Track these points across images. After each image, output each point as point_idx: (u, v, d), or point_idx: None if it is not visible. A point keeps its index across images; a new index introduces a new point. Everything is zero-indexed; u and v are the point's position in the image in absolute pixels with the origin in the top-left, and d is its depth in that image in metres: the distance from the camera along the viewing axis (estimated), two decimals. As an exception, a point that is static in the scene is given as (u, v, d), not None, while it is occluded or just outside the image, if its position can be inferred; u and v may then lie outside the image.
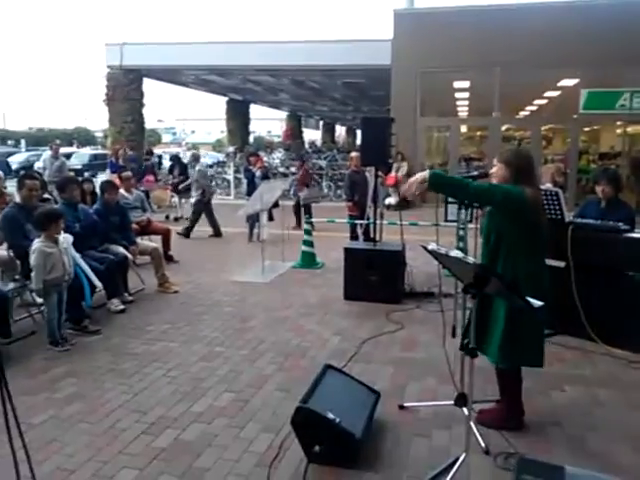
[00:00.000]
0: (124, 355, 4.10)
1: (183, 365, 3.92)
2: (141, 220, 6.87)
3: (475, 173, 3.52)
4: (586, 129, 16.05)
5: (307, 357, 4.08)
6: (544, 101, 17.20)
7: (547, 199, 4.41)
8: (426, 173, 2.84)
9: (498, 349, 2.90)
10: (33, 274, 4.14)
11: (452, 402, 2.97)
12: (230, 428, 3.05)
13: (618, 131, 15.79)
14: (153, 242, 6.65)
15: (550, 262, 4.12)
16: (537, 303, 2.55)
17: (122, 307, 5.15)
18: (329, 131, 41.31)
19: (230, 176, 16.36)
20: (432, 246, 2.78)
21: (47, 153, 12.23)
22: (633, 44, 12.30)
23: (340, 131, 46.50)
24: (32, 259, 4.14)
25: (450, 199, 6.04)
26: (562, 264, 4.30)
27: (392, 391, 3.48)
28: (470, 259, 2.63)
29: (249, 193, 9.51)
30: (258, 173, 9.44)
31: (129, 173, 7.52)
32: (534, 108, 18.34)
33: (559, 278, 4.22)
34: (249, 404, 3.33)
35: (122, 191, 6.71)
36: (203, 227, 9.52)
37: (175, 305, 5.39)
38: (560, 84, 14.72)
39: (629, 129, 15.20)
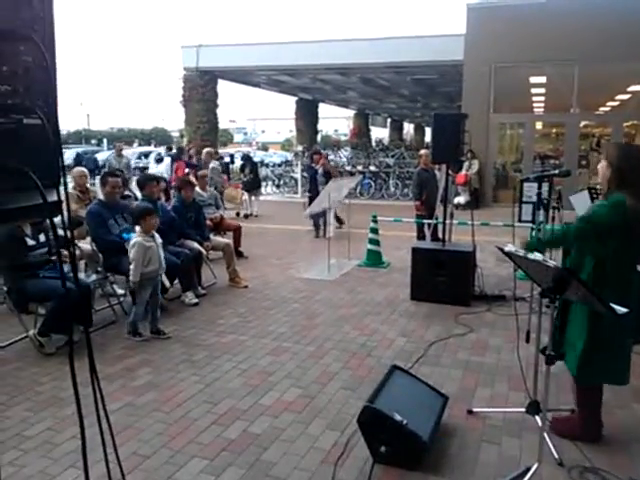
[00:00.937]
0: (196, 346, 4.27)
1: (252, 358, 4.02)
2: (214, 217, 7.12)
3: (555, 172, 3.39)
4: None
5: (372, 357, 4.07)
6: (627, 96, 16.14)
7: None
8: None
9: (578, 364, 2.76)
10: (132, 267, 4.35)
11: (524, 409, 2.89)
12: (297, 423, 3.11)
13: None
14: (225, 238, 6.87)
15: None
16: (621, 310, 2.41)
17: (196, 300, 5.36)
18: (397, 129, 40.88)
19: (297, 174, 16.59)
20: (509, 248, 2.70)
21: (110, 152, 13.07)
22: None
23: (408, 129, 45.90)
24: (132, 252, 4.36)
25: (525, 199, 5.83)
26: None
27: (460, 395, 3.41)
28: (551, 262, 2.52)
29: (310, 190, 9.61)
30: (320, 170, 9.51)
31: (205, 171, 7.81)
32: (615, 103, 17.26)
33: None
34: (315, 400, 3.37)
35: (198, 189, 6.99)
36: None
37: (245, 300, 5.55)
38: (643, 78, 13.75)
39: None
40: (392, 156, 17.54)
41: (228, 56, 17.26)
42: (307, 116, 25.86)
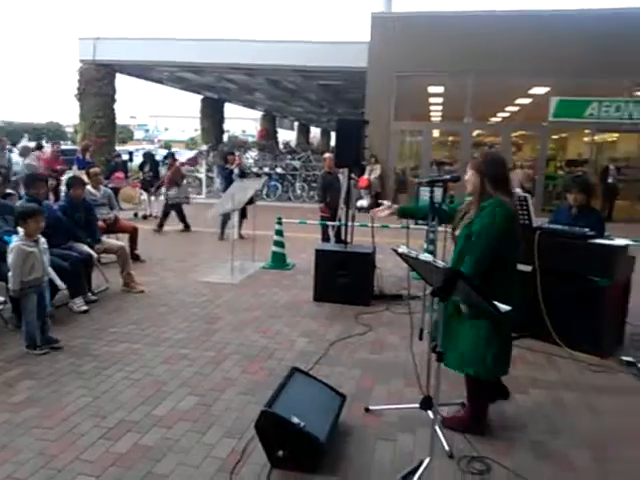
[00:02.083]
0: (85, 357, 3.97)
1: (146, 367, 3.82)
2: (108, 218, 6.72)
3: (447, 177, 3.57)
4: (554, 136, 16.41)
5: (274, 359, 4.03)
6: (515, 108, 17.53)
7: (516, 204, 4.46)
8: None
9: (462, 356, 2.91)
10: (10, 274, 3.95)
11: (418, 405, 2.98)
12: (192, 433, 2.98)
13: (586, 139, 16.19)
14: (120, 241, 6.50)
15: (518, 266, 4.20)
16: (504, 307, 2.56)
17: (85, 307, 5.01)
18: (304, 132, 41.25)
19: (202, 174, 16.17)
20: (402, 249, 2.78)
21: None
22: (603, 55, 12.66)
23: (315, 133, 46.51)
24: (10, 258, 3.95)
25: (421, 202, 6.09)
26: (529, 268, 4.36)
27: (358, 394, 3.46)
28: (440, 263, 2.63)
29: (225, 191, 9.43)
30: (236, 171, 9.35)
31: (97, 169, 7.34)
32: (505, 115, 18.67)
33: (525, 282, 4.26)
34: (212, 408, 3.26)
35: (89, 187, 6.55)
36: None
37: (140, 306, 5.27)
38: (531, 92, 15.04)
39: (596, 137, 15.62)
40: (299, 159, 17.66)
41: (127, 50, 16.46)
42: (213, 115, 25.31)
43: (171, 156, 10.83)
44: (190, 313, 5.07)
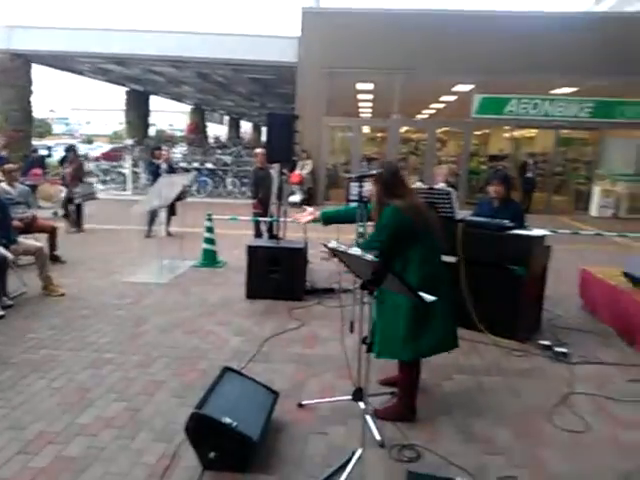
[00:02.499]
0: (0, 366, 3.72)
1: (68, 374, 3.63)
2: (25, 217, 6.30)
3: (374, 172, 3.62)
4: (478, 132, 17.15)
5: (205, 360, 3.95)
6: (441, 105, 18.15)
7: (440, 198, 4.63)
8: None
9: (401, 344, 3.04)
10: None
11: (350, 397, 3.03)
12: (119, 440, 2.87)
13: (506, 135, 17.07)
14: (38, 241, 6.12)
15: (445, 258, 4.35)
16: (429, 297, 2.65)
17: (1, 312, 4.69)
18: (235, 126, 40.69)
19: (127, 170, 15.55)
20: (332, 244, 2.81)
21: None
22: (522, 54, 13.35)
23: (246, 127, 46.01)
24: None
25: (352, 197, 6.18)
26: (454, 259, 4.54)
27: (292, 390, 3.47)
28: (368, 256, 2.67)
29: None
30: (164, 166, 9.05)
31: (12, 165, 6.87)
32: (432, 111, 19.29)
33: (451, 273, 4.44)
34: (140, 413, 3.16)
35: (4, 185, 6.14)
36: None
37: (60, 309, 4.99)
38: (455, 89, 15.61)
39: (516, 133, 16.49)
40: (230, 154, 17.40)
41: (45, 39, 15.47)
42: (138, 108, 24.39)
43: (72, 150, 9.92)
44: (115, 316, 4.86)
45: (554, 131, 15.05)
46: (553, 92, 14.54)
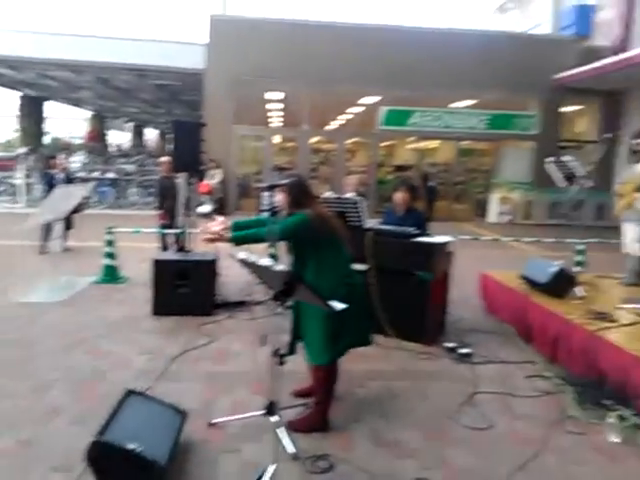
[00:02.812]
0: None
1: (-54, 408, 3.24)
2: None
3: (284, 182, 3.60)
4: (385, 143, 17.75)
5: (108, 383, 3.69)
6: (349, 116, 18.60)
7: (349, 208, 4.70)
8: (228, 236, 3.14)
9: (323, 347, 3.06)
10: None
11: (263, 412, 2.96)
12: (11, 473, 2.60)
13: (411, 146, 17.82)
14: None
15: (355, 266, 4.41)
16: (340, 306, 2.67)
17: None
18: (139, 134, 39.11)
19: (19, 180, 14.38)
20: (242, 255, 2.74)
21: None
22: (425, 68, 14.07)
23: (151, 135, 44.37)
24: None
25: (263, 207, 6.12)
26: (364, 267, 4.62)
27: (202, 409, 3.33)
28: (279, 267, 2.64)
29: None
30: (61, 176, 8.42)
31: None
32: (341, 122, 19.72)
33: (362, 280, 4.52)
34: (36, 443, 2.88)
35: None
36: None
37: (-61, 335, 4.47)
38: (363, 101, 16.09)
39: (420, 144, 17.27)
40: (133, 162, 16.67)
41: None
42: (32, 114, 22.74)
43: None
44: (5, 340, 4.43)
45: (455, 142, 15.96)
46: (453, 105, 15.43)
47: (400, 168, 18.41)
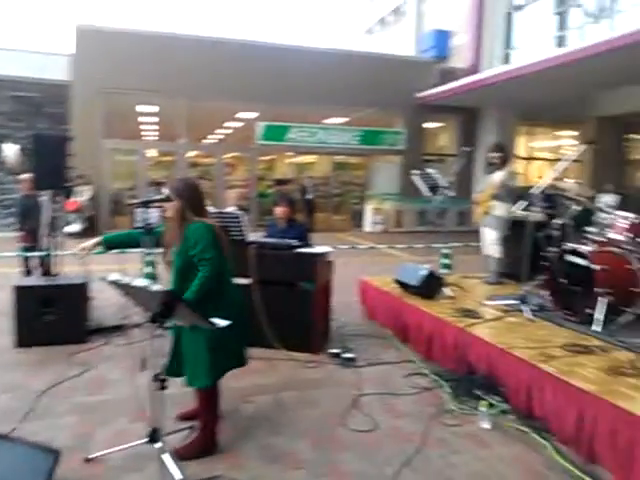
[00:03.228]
0: None
1: None
2: None
3: (157, 197, 3.46)
4: (264, 158, 17.90)
5: (-39, 428, 3.26)
6: (228, 131, 18.50)
7: (230, 222, 4.66)
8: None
9: (205, 370, 2.94)
10: None
11: (145, 440, 2.80)
12: None
13: (290, 160, 18.15)
14: None
15: (238, 280, 4.37)
16: (222, 322, 2.62)
17: None
18: (-5, 150, 35.41)
19: None
20: (114, 276, 2.59)
21: None
22: (301, 85, 14.43)
23: (9, 150, 40.38)
24: None
25: (137, 224, 5.82)
26: (247, 281, 4.60)
27: (77, 444, 3.07)
28: (155, 287, 2.53)
29: None
30: None
31: None
32: (220, 136, 19.54)
33: (246, 294, 4.49)
34: None
35: None
36: None
37: None
38: (240, 116, 16.09)
39: (297, 159, 17.66)
40: (-12, 181, 15.02)
41: None
42: None
43: None
44: None
45: (330, 157, 16.54)
46: (328, 121, 16.01)
47: (280, 182, 18.67)
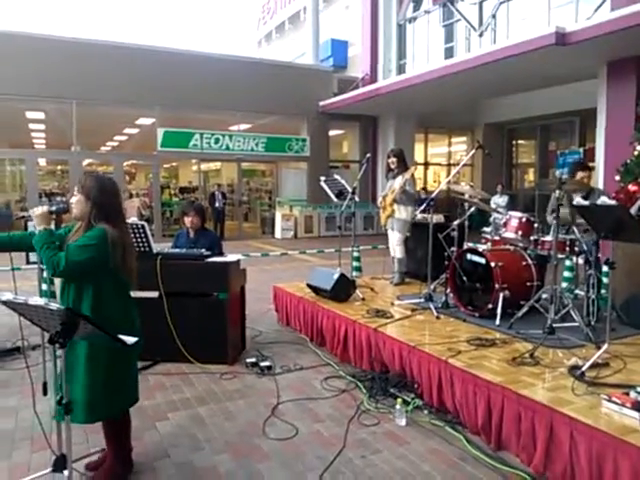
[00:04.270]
0: None
1: None
2: None
3: (53, 208, 3.23)
4: (166, 165, 17.36)
5: None
6: (125, 137, 17.69)
7: (134, 233, 4.44)
8: None
9: (86, 405, 2.66)
10: None
11: (50, 469, 2.58)
12: None
13: (194, 168, 17.72)
14: None
15: (144, 294, 4.18)
16: (130, 340, 2.48)
17: None
18: None
19: None
20: (7, 296, 2.36)
21: None
22: (204, 92, 14.14)
23: None
24: None
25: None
26: (155, 294, 4.42)
27: (-32, 484, 2.77)
28: (54, 305, 2.34)
29: None
30: None
31: None
32: (115, 144, 18.63)
33: (153, 308, 4.31)
34: None
35: None
36: None
37: None
38: (138, 122, 15.46)
39: (203, 166, 17.29)
40: None
41: None
42: None
43: None
44: None
45: (236, 164, 16.39)
46: (233, 128, 15.84)
47: (185, 190, 18.19)
